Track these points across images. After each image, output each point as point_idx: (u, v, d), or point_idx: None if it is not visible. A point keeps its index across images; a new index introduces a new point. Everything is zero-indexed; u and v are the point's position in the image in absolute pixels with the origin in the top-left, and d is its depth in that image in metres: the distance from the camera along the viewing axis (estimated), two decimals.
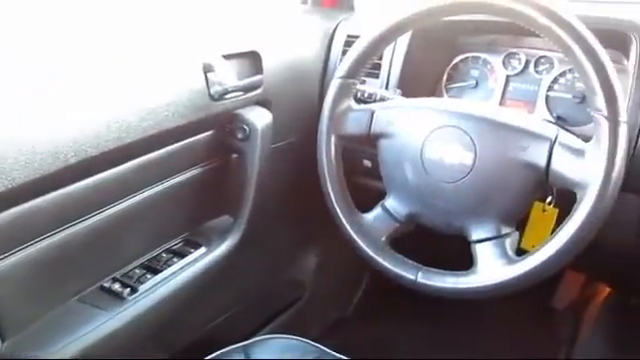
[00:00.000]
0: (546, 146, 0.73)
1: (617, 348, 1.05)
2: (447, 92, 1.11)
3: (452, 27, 1.04)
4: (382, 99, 0.95)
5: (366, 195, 0.89)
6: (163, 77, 0.84)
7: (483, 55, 1.08)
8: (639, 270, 0.90)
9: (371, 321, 1.51)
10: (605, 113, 0.67)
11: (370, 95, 0.96)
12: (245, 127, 0.97)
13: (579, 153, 0.71)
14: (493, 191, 0.77)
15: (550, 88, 1.01)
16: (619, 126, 0.67)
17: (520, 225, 0.85)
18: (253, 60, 1.00)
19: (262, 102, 1.01)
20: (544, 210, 0.86)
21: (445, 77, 1.11)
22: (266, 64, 1.01)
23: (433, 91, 1.11)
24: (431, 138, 0.80)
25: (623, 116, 0.68)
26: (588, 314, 1.30)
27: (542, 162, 0.73)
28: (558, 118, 0.98)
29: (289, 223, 1.22)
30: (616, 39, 0.87)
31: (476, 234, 0.78)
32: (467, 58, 1.10)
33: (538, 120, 0.80)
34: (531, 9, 0.70)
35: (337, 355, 0.87)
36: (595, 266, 1.08)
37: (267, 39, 1.04)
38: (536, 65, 1.03)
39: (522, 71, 1.04)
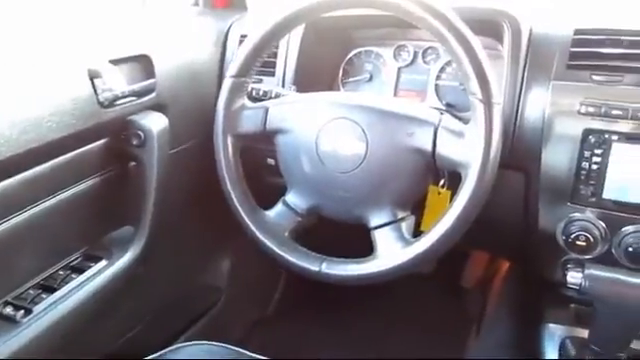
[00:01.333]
0: (431, 131, 0.76)
1: (521, 319, 1.12)
2: (343, 87, 1.13)
3: (345, 22, 1.07)
4: (277, 96, 0.96)
5: (272, 193, 0.90)
6: (45, 86, 0.80)
7: (375, 49, 1.12)
8: (531, 242, 0.96)
9: (293, 318, 1.52)
10: (479, 96, 0.72)
11: (265, 93, 0.97)
12: (140, 133, 0.94)
13: (460, 135, 0.75)
14: (386, 178, 0.80)
15: (438, 77, 1.06)
16: (493, 108, 0.72)
17: (418, 209, 0.89)
18: (144, 64, 0.97)
19: (157, 107, 0.99)
20: (439, 193, 0.90)
21: (341, 72, 1.14)
22: (158, 67, 0.99)
23: (330, 87, 1.14)
24: (325, 131, 0.81)
25: (496, 98, 0.72)
26: (494, 290, 1.37)
27: (428, 146, 0.76)
28: (447, 105, 1.03)
29: (198, 228, 1.21)
30: (490, 27, 0.93)
31: (374, 221, 0.81)
32: (360, 52, 1.13)
33: (423, 107, 0.84)
34: (408, 2, 0.73)
35: (256, 356, 0.87)
36: (493, 243, 1.15)
37: (158, 42, 1.02)
38: (424, 56, 1.08)
39: (412, 62, 1.09)
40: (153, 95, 0.98)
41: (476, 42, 0.72)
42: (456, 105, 1.03)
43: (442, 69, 1.06)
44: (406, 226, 0.81)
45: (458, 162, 0.75)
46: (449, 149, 0.75)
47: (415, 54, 1.08)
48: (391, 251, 0.78)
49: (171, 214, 1.02)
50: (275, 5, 0.83)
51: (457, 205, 0.74)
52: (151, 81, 0.97)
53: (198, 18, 1.18)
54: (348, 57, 1.13)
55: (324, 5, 0.80)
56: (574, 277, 0.82)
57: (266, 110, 0.86)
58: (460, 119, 0.82)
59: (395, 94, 1.10)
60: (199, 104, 1.08)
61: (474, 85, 0.72)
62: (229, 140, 0.87)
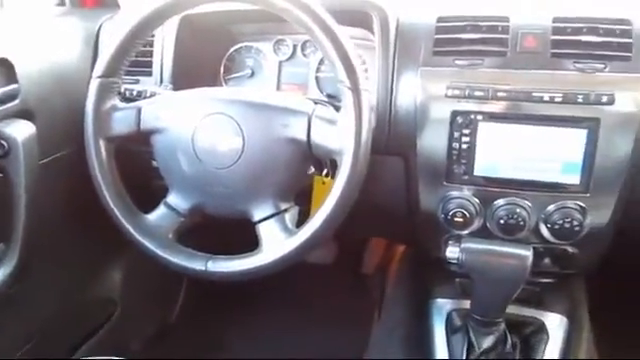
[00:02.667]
0: (304, 120, 0.77)
1: (414, 298, 1.16)
2: (226, 84, 1.12)
3: (222, 17, 1.05)
4: (152, 96, 0.93)
5: (161, 196, 0.87)
6: None
7: (255, 44, 1.11)
8: (416, 223, 0.99)
9: (198, 324, 1.48)
10: (347, 84, 0.73)
11: (140, 93, 0.94)
12: (3, 143, 0.88)
13: (333, 123, 0.76)
14: (265, 170, 0.80)
15: (318, 69, 1.07)
16: (361, 94, 0.74)
17: (305, 199, 0.90)
18: (4, 69, 0.91)
19: (22, 114, 0.92)
20: (323, 182, 0.91)
21: (222, 69, 1.12)
22: (21, 72, 0.92)
23: (213, 84, 1.12)
24: (200, 127, 0.80)
25: (364, 85, 0.74)
26: (392, 273, 1.42)
27: (303, 136, 0.77)
28: (328, 96, 1.05)
29: (82, 240, 1.14)
30: (362, 18, 0.95)
31: (257, 214, 0.81)
32: (241, 48, 1.12)
33: (297, 98, 0.84)
34: None
35: None
36: (383, 228, 1.18)
37: (19, 45, 0.95)
38: (303, 49, 1.09)
39: (292, 56, 1.09)
40: (17, 102, 0.91)
41: (340, 31, 0.74)
42: (337, 96, 1.04)
43: (321, 61, 1.07)
44: (290, 217, 0.81)
45: (333, 149, 0.76)
46: (323, 137, 0.77)
47: (294, 48, 1.09)
48: (275, 243, 0.78)
49: (49, 228, 0.96)
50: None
51: (335, 191, 0.75)
52: (13, 86, 0.91)
53: (65, 18, 1.12)
54: (228, 53, 1.12)
55: (183, 2, 0.79)
56: (452, 252, 0.87)
57: (139, 110, 0.83)
58: (337, 108, 0.84)
59: (278, 88, 1.10)
60: (71, 110, 1.02)
61: (341, 73, 0.73)
62: (101, 143, 0.83)
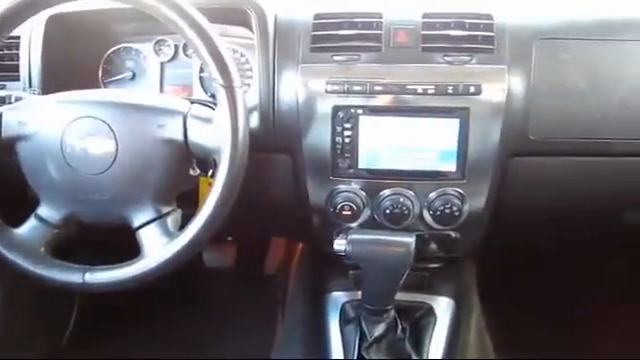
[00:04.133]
0: (180, 120, 0.75)
1: (313, 294, 1.17)
2: (105, 87, 1.07)
3: (96, 16, 1.01)
4: (17, 101, 0.87)
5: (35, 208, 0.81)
6: None
7: (134, 45, 1.07)
8: (308, 219, 1.00)
9: (93, 344, 1.41)
10: (221, 81, 0.73)
11: (3, 99, 0.87)
12: None
13: (209, 121, 0.75)
14: (142, 173, 0.77)
15: (202, 70, 1.05)
16: (235, 92, 0.73)
17: (192, 202, 0.88)
18: None
19: None
20: (209, 184, 0.89)
21: (101, 71, 1.07)
22: None
23: (92, 88, 1.06)
24: (69, 132, 0.76)
25: (237, 82, 0.74)
26: (293, 271, 1.42)
27: (180, 136, 0.75)
28: (213, 96, 1.03)
29: None
30: (240, 17, 0.95)
31: (137, 220, 0.78)
32: (119, 49, 1.07)
33: (171, 98, 0.82)
34: None
35: None
36: (279, 227, 1.19)
37: None
38: (185, 49, 1.06)
39: (174, 57, 1.06)
40: None
41: (211, 28, 0.73)
42: None
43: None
44: (172, 221, 0.79)
45: (210, 148, 0.75)
46: (200, 136, 0.75)
47: (176, 48, 1.06)
48: (157, 248, 0.76)
49: None
50: None
51: (215, 191, 0.74)
52: None
53: None
54: (106, 55, 1.07)
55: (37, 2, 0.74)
56: (339, 244, 0.88)
57: None
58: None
59: (161, 90, 1.07)
60: None
61: (214, 71, 0.72)
62: None
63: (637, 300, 1.51)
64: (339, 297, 1.02)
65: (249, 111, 0.90)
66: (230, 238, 1.49)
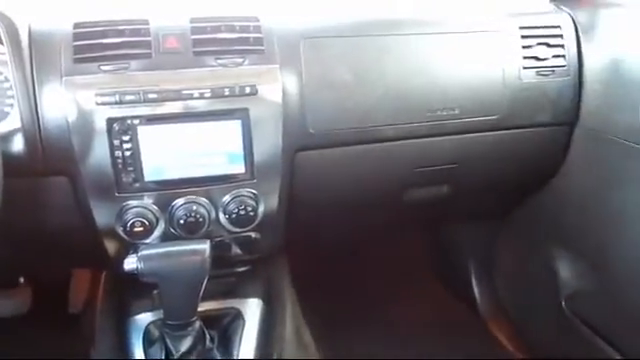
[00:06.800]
0: None
1: (122, 323, 1.09)
2: None
3: None
4: None
5: None
6: None
7: None
8: (99, 243, 0.93)
9: None
10: None
11: None
12: None
13: None
14: None
15: None
16: None
17: None
18: None
19: None
20: None
21: None
22: None
23: None
24: None
25: None
26: (100, 303, 1.32)
27: None
28: None
29: None
30: None
31: None
32: None
33: None
34: None
35: None
36: (73, 256, 1.09)
37: None
38: None
39: None
40: None
41: None
42: None
43: None
44: None
45: None
46: None
47: None
48: None
49: None
50: None
51: None
52: None
53: None
54: None
55: None
56: (130, 263, 0.84)
57: None
58: None
59: None
60: None
61: None
62: None
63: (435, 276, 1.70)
64: (142, 319, 0.97)
65: (11, 134, 0.81)
66: (22, 280, 1.33)
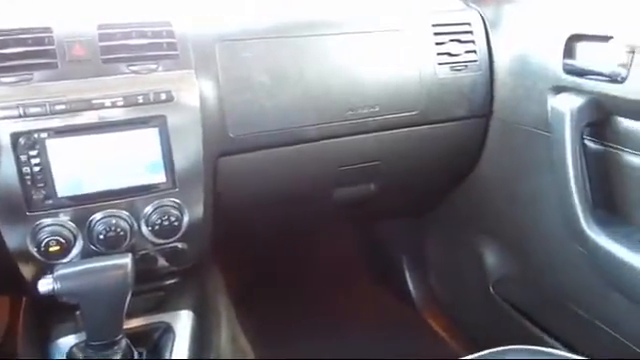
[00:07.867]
0: None
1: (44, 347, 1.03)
2: None
3: None
4: None
5: None
6: None
7: None
8: (11, 267, 0.87)
9: None
10: None
11: None
12: None
13: None
14: None
15: None
16: None
17: None
18: None
19: None
20: None
21: None
22: None
23: None
24: None
25: None
26: (20, 331, 1.24)
27: None
28: None
29: None
30: None
31: None
32: None
33: None
34: None
35: None
36: None
37: None
38: None
39: None
40: None
41: None
42: None
43: None
44: None
45: None
46: None
47: None
48: None
49: None
50: None
51: None
52: None
53: None
54: None
55: None
56: (45, 284, 0.79)
57: None
58: None
59: None
60: None
61: None
62: None
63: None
64: (65, 343, 0.91)
65: None
66: None
